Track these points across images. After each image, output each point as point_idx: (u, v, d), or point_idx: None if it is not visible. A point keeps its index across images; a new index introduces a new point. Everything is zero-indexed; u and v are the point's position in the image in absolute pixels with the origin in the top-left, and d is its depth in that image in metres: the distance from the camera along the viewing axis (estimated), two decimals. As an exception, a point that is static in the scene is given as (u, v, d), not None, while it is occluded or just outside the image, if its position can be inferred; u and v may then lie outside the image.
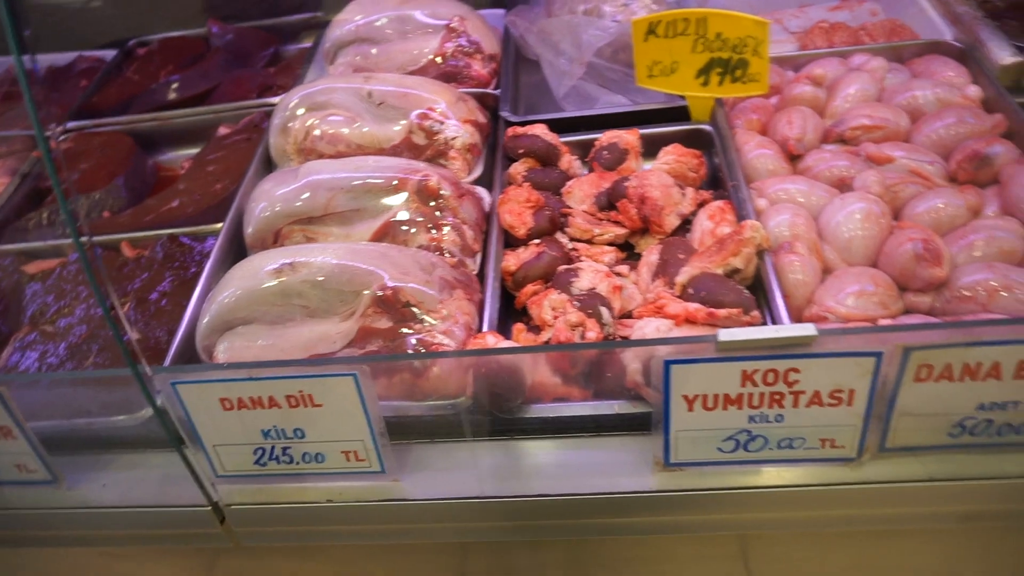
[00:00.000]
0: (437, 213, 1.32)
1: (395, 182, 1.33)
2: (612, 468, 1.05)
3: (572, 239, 1.36)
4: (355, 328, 1.15)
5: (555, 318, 1.14)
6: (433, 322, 1.13)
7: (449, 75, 1.68)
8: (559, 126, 1.51)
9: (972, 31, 1.55)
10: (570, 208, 1.38)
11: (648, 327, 1.10)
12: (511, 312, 1.27)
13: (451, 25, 1.73)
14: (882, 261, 1.21)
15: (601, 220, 1.37)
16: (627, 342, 1.12)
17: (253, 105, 1.79)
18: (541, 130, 1.48)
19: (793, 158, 1.42)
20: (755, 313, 1.12)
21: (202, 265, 1.36)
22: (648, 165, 1.45)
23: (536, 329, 1.18)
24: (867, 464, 0.99)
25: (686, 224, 1.34)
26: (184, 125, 1.82)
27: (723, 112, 1.50)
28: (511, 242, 1.34)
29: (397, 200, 1.33)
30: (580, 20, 1.72)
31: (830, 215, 1.26)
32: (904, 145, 1.38)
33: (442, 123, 1.47)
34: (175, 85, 1.90)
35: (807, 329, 0.89)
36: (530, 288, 1.24)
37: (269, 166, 1.58)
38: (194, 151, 1.77)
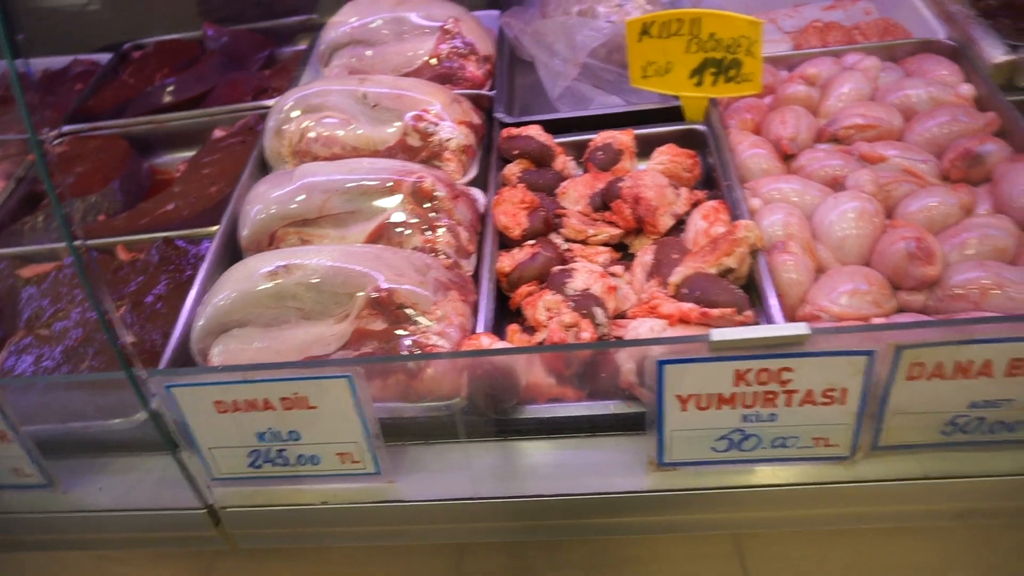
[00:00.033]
0: (432, 215, 1.32)
1: (390, 184, 1.33)
2: (607, 468, 1.05)
3: (567, 240, 1.36)
4: (350, 330, 1.15)
5: (549, 319, 1.14)
6: (428, 323, 1.14)
7: (444, 76, 1.69)
8: (553, 127, 1.52)
9: (965, 30, 1.55)
10: (565, 209, 1.39)
11: (642, 327, 1.10)
12: (506, 313, 1.28)
13: (446, 27, 1.73)
14: (875, 260, 1.21)
15: (595, 221, 1.37)
16: (620, 342, 1.12)
17: (248, 108, 1.79)
18: (535, 131, 1.48)
19: (787, 157, 1.43)
20: (749, 312, 1.12)
21: (197, 268, 1.37)
22: (642, 165, 1.46)
23: (531, 330, 1.18)
24: (860, 462, 0.99)
25: (681, 224, 1.34)
26: (179, 128, 1.82)
27: (717, 112, 1.51)
28: (506, 243, 1.34)
29: (392, 202, 1.33)
30: (574, 21, 1.72)
31: (823, 214, 1.26)
32: (897, 144, 1.38)
33: (437, 125, 1.47)
34: (170, 88, 1.90)
35: (799, 328, 0.89)
36: (525, 289, 1.24)
37: (264, 169, 1.59)
38: (189, 154, 1.77)
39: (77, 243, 0.91)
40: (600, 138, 1.48)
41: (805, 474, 1.01)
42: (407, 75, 1.70)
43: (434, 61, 1.71)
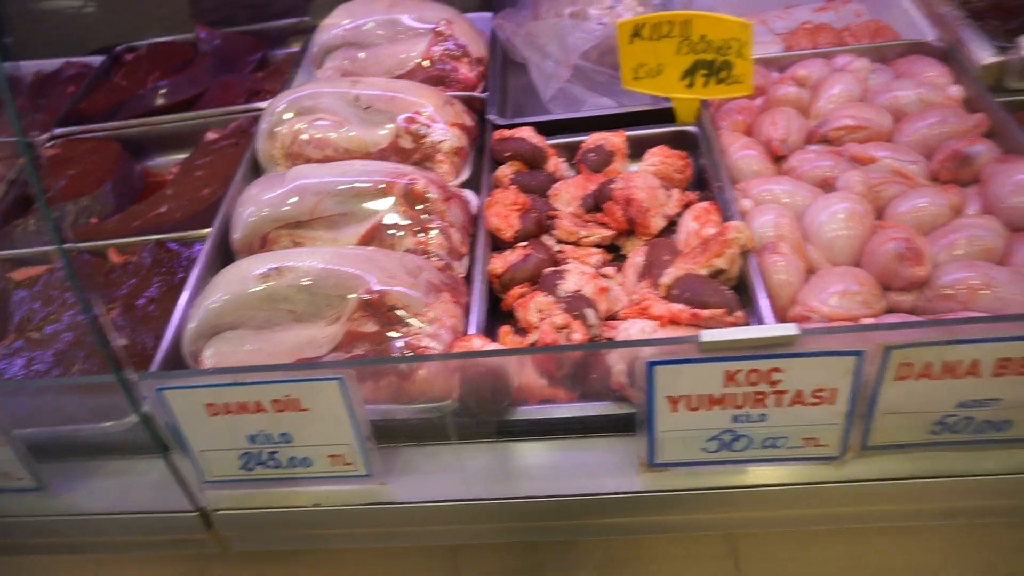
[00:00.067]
0: (424, 216, 1.32)
1: (382, 186, 1.33)
2: (598, 469, 1.05)
3: (559, 241, 1.36)
4: (341, 332, 1.15)
5: (541, 320, 1.14)
6: (419, 325, 1.14)
7: (436, 79, 1.69)
8: (546, 128, 1.52)
9: (954, 31, 1.56)
10: (557, 210, 1.39)
11: (633, 328, 1.10)
12: (498, 314, 1.28)
13: (438, 29, 1.74)
14: (865, 260, 1.22)
15: (587, 222, 1.37)
16: (610, 343, 1.12)
17: (241, 110, 1.79)
18: (527, 133, 1.49)
19: (778, 159, 1.43)
20: (739, 313, 1.12)
21: (189, 270, 1.36)
22: (634, 167, 1.46)
23: (522, 331, 1.18)
24: (850, 462, 1.00)
25: (672, 225, 1.35)
26: (172, 130, 1.82)
27: (708, 113, 1.51)
28: (498, 245, 1.35)
29: (384, 204, 1.33)
30: (566, 23, 1.73)
31: (814, 215, 1.27)
32: (887, 145, 1.39)
33: (429, 127, 1.47)
34: (163, 90, 1.90)
35: (788, 329, 0.89)
36: (517, 290, 1.25)
37: (257, 171, 1.59)
38: (182, 156, 1.76)
39: (67, 246, 0.91)
40: (592, 140, 1.48)
41: (796, 474, 1.01)
42: (400, 77, 1.70)
43: (427, 63, 1.71)
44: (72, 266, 0.90)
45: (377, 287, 1.15)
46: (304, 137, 1.52)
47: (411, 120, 1.48)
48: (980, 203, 1.27)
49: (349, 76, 1.71)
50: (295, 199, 1.35)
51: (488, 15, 1.91)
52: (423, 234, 1.30)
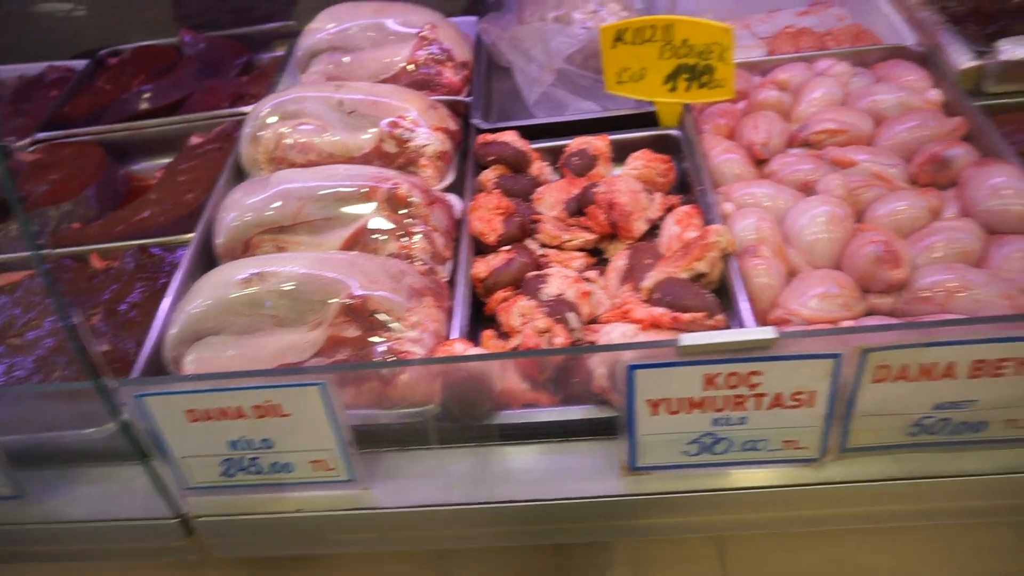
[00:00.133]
0: (407, 221, 1.32)
1: (365, 190, 1.33)
2: (580, 473, 1.05)
3: (542, 245, 1.36)
4: (323, 337, 1.15)
5: (524, 324, 1.15)
6: (402, 330, 1.14)
7: (421, 83, 1.69)
8: (529, 132, 1.52)
9: (933, 36, 1.57)
10: (540, 214, 1.39)
11: (614, 332, 1.11)
12: (481, 319, 1.28)
13: (423, 33, 1.74)
14: (845, 263, 1.22)
15: (571, 226, 1.38)
16: (591, 347, 1.13)
17: (225, 114, 1.79)
18: (511, 137, 1.49)
19: (759, 162, 1.44)
20: (720, 317, 1.13)
21: (172, 276, 1.36)
22: (618, 171, 1.47)
23: (505, 335, 1.18)
24: (830, 464, 1.00)
25: (655, 229, 1.35)
26: (156, 135, 1.81)
27: (691, 117, 1.52)
28: (481, 249, 1.35)
29: (367, 208, 1.33)
30: (550, 27, 1.73)
31: (794, 218, 1.28)
32: (867, 148, 1.40)
33: (413, 131, 1.47)
34: (147, 95, 1.89)
35: (767, 332, 0.90)
36: (500, 295, 1.25)
37: (241, 175, 1.58)
38: (166, 161, 1.76)
39: (46, 251, 0.91)
40: (575, 144, 1.49)
41: (776, 477, 1.02)
42: (384, 81, 1.70)
43: (411, 67, 1.71)
44: (49, 272, 0.90)
45: (359, 292, 1.15)
46: (288, 141, 1.52)
47: (395, 124, 1.48)
48: (958, 206, 1.28)
49: (334, 80, 1.71)
50: (278, 204, 1.34)
51: (473, 19, 1.92)
52: (406, 238, 1.30)
